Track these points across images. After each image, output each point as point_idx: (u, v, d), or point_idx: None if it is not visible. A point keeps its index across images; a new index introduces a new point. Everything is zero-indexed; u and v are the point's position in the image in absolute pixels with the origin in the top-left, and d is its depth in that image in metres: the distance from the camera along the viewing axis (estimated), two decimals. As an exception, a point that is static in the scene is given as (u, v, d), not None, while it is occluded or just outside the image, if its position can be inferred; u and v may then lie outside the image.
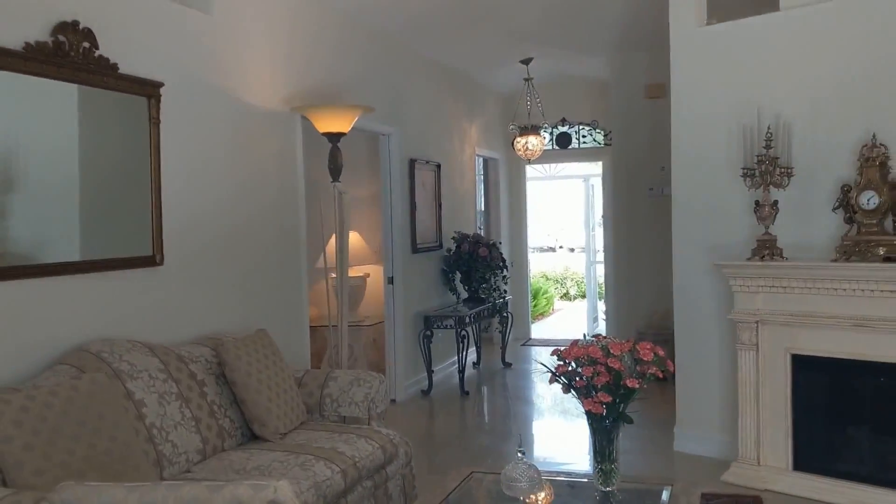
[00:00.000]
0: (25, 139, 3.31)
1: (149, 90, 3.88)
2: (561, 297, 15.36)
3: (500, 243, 8.62)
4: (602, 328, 10.03)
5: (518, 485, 2.81)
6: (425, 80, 7.48)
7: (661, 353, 3.12)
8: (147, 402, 3.31)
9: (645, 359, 3.11)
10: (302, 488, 3.14)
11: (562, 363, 3.22)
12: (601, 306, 10.43)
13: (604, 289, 9.52)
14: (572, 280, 15.70)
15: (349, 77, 5.92)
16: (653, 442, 5.34)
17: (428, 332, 6.94)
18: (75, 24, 3.45)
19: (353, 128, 5.05)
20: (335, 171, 4.95)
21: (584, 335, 3.26)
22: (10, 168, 3.25)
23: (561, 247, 17.88)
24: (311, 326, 5.54)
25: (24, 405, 2.66)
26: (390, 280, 6.72)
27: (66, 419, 2.74)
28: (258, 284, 4.78)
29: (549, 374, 3.23)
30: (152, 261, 3.93)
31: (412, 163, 6.96)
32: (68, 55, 3.41)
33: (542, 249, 17.19)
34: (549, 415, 6.56)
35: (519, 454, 2.89)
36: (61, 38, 3.38)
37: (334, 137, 4.89)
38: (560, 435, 6.01)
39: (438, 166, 7.60)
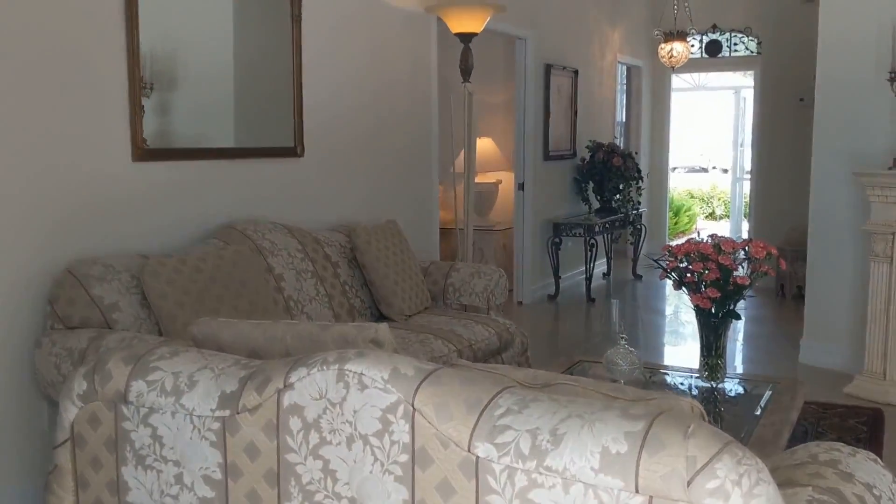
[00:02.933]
0: (186, 38, 3.64)
1: (291, -13, 4.11)
2: (706, 217, 14.94)
3: (637, 153, 8.48)
4: (743, 247, 9.75)
5: (619, 368, 2.94)
6: (566, -17, 7.34)
7: (774, 251, 3.11)
8: (286, 277, 3.65)
9: (757, 256, 3.12)
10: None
11: (672, 259, 3.28)
12: (745, 225, 10.12)
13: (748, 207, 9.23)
14: (719, 199, 15.19)
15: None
16: (779, 353, 5.33)
17: (556, 239, 7.05)
18: (224, -76, 3.69)
19: (489, 31, 5.11)
20: (466, 71, 5.06)
21: (698, 232, 3.28)
22: (174, 67, 3.59)
23: (714, 167, 17.09)
24: (442, 229, 5.78)
25: (177, 268, 3.03)
26: (521, 186, 6.83)
27: (212, 283, 3.09)
28: (391, 181, 5.03)
29: (661, 271, 3.31)
30: (293, 152, 4.24)
31: (548, 68, 6.94)
32: (218, -46, 3.67)
33: (693, 170, 16.56)
34: (675, 324, 6.57)
35: (622, 340, 3.00)
36: (212, -62, 3.64)
37: (466, 37, 4.98)
38: (682, 343, 6.02)
39: (576, 72, 7.53)
